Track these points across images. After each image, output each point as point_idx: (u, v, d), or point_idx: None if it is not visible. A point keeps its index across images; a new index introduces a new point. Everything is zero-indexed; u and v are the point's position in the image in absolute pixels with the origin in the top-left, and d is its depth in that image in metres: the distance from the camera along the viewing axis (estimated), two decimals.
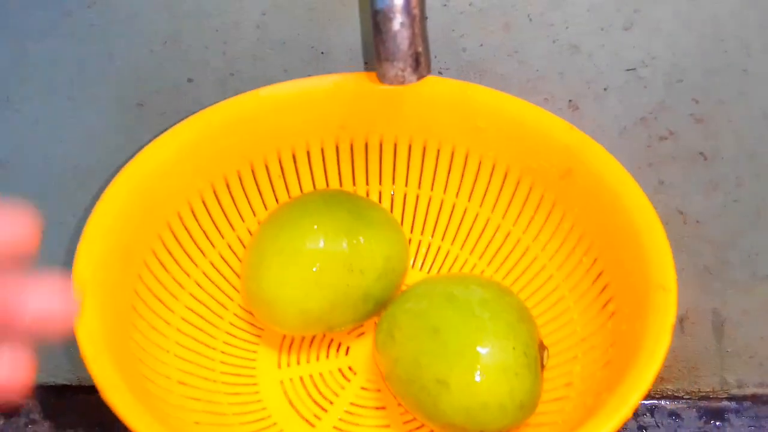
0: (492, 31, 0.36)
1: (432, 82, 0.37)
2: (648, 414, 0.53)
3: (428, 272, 0.42)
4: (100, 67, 0.39)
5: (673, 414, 0.53)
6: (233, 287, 0.40)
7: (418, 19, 0.21)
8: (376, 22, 0.21)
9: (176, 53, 0.38)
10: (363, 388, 0.39)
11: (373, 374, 0.39)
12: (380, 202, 0.41)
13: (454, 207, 0.41)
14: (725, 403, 0.53)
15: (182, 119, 0.40)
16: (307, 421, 0.38)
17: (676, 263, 0.46)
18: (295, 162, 0.39)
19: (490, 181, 0.39)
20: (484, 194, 0.40)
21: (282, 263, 0.36)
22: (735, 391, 0.53)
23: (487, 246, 0.41)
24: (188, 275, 0.38)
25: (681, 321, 0.49)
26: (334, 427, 0.38)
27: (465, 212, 0.41)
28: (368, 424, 0.38)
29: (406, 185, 0.41)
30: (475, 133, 0.38)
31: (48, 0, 0.36)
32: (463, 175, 0.40)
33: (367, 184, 0.41)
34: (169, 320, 0.37)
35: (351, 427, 0.38)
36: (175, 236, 0.38)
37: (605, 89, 0.38)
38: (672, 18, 0.35)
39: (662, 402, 0.53)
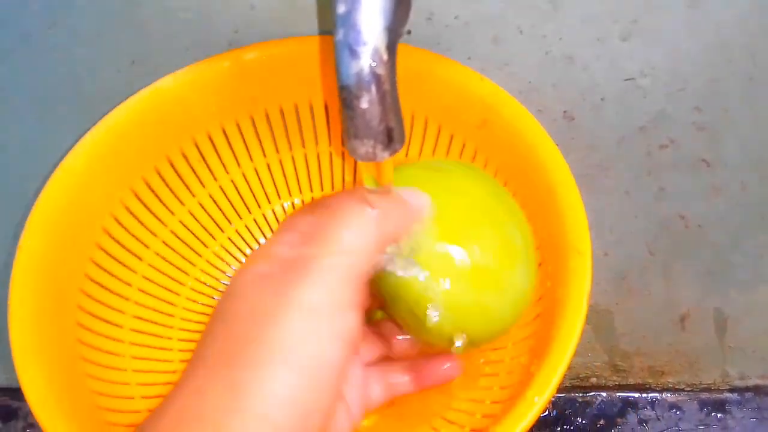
0: (480, 44, 0.34)
1: None
2: (648, 407, 0.53)
3: None
4: (66, 88, 0.36)
5: (674, 407, 0.52)
6: (189, 262, 0.39)
7: (388, 93, 0.19)
8: (342, 98, 0.19)
9: (145, 72, 0.36)
10: None
11: None
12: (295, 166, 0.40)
13: None
14: (727, 395, 0.53)
15: None
16: None
17: (676, 266, 0.45)
18: (213, 143, 0.38)
19: (411, 130, 0.37)
20: (408, 142, 0.38)
21: None
22: (737, 383, 0.52)
23: None
24: (140, 259, 0.37)
25: (682, 319, 0.48)
26: None
27: None
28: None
29: (330, 144, 0.39)
30: None
31: (5, 23, 0.34)
32: None
33: (278, 152, 0.39)
34: (123, 308, 0.36)
35: None
36: (131, 212, 0.36)
37: (602, 99, 0.36)
38: (673, 27, 0.32)
39: (663, 395, 0.53)
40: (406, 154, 0.38)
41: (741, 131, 0.37)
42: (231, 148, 0.38)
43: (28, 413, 0.56)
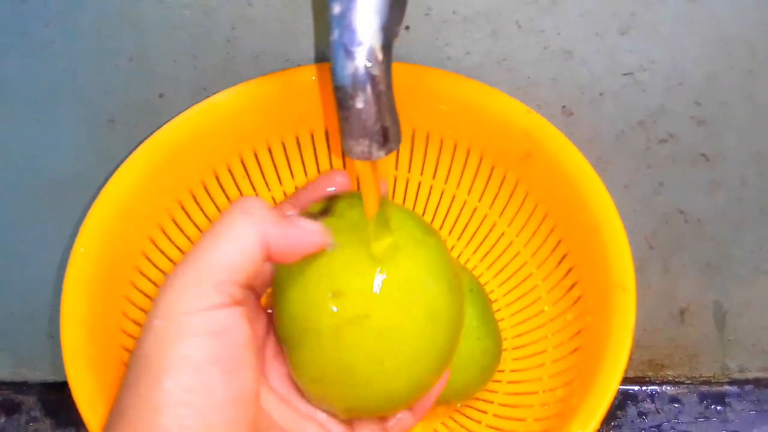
0: (478, 38, 0.34)
1: (393, 69, 0.35)
2: (648, 400, 0.53)
3: None
4: (64, 85, 0.36)
5: (674, 400, 0.53)
6: None
7: (383, 93, 0.19)
8: (338, 98, 0.19)
9: (144, 68, 0.36)
10: None
11: None
12: None
13: (420, 185, 0.40)
14: (726, 387, 0.53)
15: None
16: None
17: (676, 260, 0.45)
18: (257, 160, 0.38)
19: (452, 160, 0.38)
20: (448, 172, 0.39)
21: None
22: (737, 376, 0.52)
23: (455, 222, 0.40)
24: None
25: (681, 313, 0.48)
26: None
27: (431, 190, 0.40)
28: None
29: None
30: (436, 116, 0.36)
31: (3, 19, 0.34)
32: (425, 155, 0.38)
33: (319, 172, 0.39)
34: None
35: None
36: (176, 223, 0.37)
37: (601, 94, 0.35)
38: (672, 21, 0.32)
39: (663, 388, 0.53)
40: (446, 181, 0.39)
41: (740, 125, 0.36)
42: (275, 166, 0.38)
43: (31, 407, 0.56)
